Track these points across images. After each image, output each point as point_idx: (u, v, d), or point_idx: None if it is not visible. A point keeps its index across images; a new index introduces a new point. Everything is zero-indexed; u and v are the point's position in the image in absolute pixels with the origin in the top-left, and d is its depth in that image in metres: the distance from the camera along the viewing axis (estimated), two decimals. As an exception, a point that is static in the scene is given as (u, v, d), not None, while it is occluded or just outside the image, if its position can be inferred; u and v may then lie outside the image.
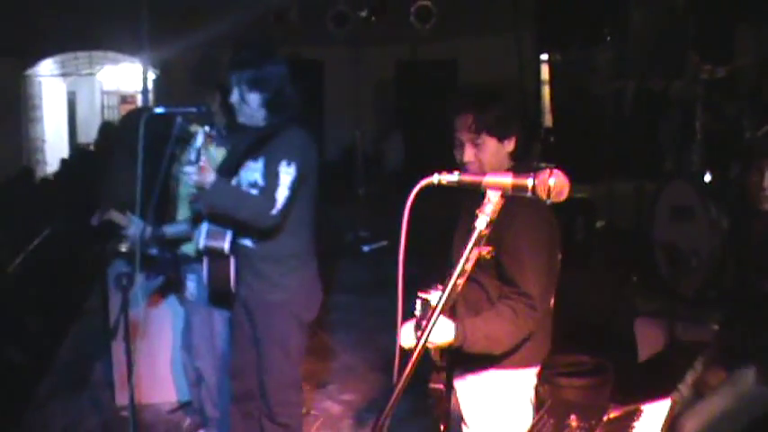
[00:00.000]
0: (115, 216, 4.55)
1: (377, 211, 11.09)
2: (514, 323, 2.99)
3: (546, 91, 14.31)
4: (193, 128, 4.26)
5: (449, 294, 2.15)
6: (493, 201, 2.16)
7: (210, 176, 3.78)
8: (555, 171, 2.11)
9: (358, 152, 11.81)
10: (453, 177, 2.20)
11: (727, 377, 3.86)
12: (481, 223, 2.14)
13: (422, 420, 3.06)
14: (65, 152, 20.05)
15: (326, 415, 5.62)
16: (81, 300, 8.34)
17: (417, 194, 2.15)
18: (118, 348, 5.41)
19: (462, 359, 3.12)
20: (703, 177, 6.10)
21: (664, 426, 2.58)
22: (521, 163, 3.13)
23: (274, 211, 3.84)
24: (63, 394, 6.11)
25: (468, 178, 2.22)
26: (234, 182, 4.06)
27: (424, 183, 2.18)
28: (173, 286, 5.30)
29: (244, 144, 4.11)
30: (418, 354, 2.00)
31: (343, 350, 6.83)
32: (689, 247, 5.83)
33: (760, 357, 3.78)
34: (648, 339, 5.33)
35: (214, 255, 4.05)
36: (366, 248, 10.09)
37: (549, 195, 2.11)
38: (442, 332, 2.90)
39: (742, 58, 6.83)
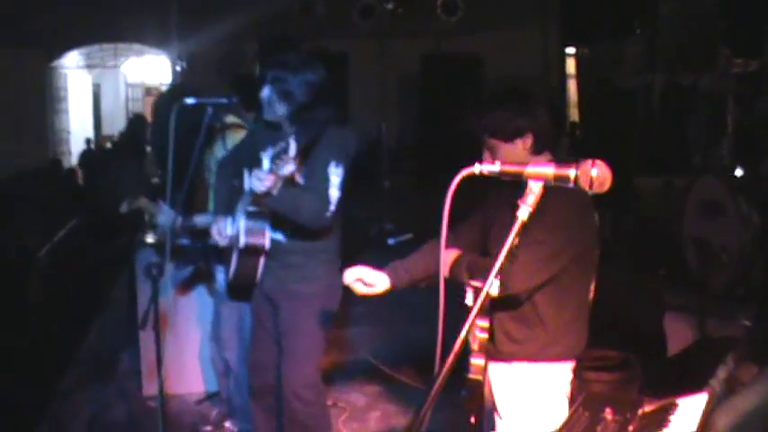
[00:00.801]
0: (145, 204, 4.56)
1: (402, 203, 11.11)
2: None
3: (572, 85, 14.25)
4: (230, 119, 4.25)
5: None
6: (535, 191, 2.14)
7: (279, 183, 3.80)
8: (597, 162, 2.10)
9: (383, 145, 11.79)
10: (495, 167, 2.19)
11: (759, 373, 3.83)
12: (523, 213, 2.13)
13: (449, 411, 3.03)
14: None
15: (352, 407, 5.61)
16: (107, 290, 8.39)
17: (459, 184, 2.14)
18: (146, 338, 5.42)
19: (501, 350, 3.12)
20: (733, 172, 6.05)
21: (701, 420, 2.56)
22: (557, 156, 3.12)
23: (328, 213, 3.88)
24: (89, 384, 6.14)
25: (509, 168, 2.20)
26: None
27: (465, 172, 2.16)
28: (202, 277, 5.31)
29: (271, 141, 4.13)
30: (461, 345, 1.99)
31: (370, 343, 6.82)
32: (719, 242, 5.79)
33: (793, 353, 3.75)
34: (678, 334, 5.30)
35: (250, 251, 4.04)
36: (391, 241, 10.09)
37: (591, 186, 2.09)
38: None
39: (771, 53, 6.75)
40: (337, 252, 4.18)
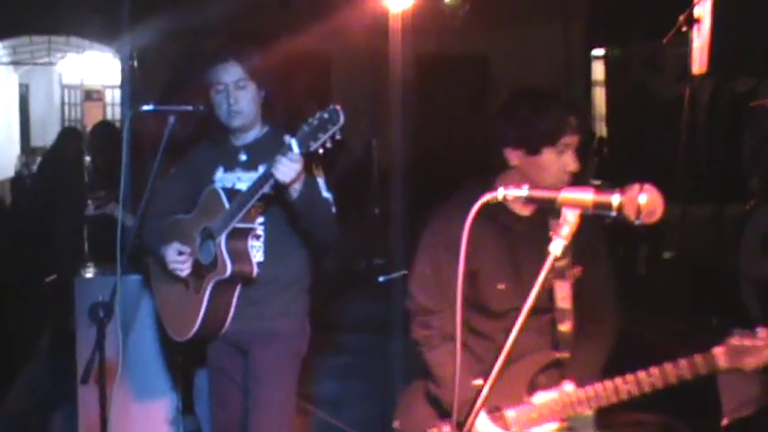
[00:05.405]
0: (117, 210, 4.60)
1: (395, 233, 11.10)
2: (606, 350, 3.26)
3: (599, 93, 14.28)
4: None
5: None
6: (570, 221, 2.16)
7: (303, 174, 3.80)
8: (646, 186, 2.12)
9: (373, 164, 11.81)
10: (522, 192, 2.20)
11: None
12: (557, 248, 2.14)
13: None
14: (14, 157, 20.06)
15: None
16: (36, 335, 8.34)
17: (478, 212, 2.15)
18: (86, 394, 5.36)
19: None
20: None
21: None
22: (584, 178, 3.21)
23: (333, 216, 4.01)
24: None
25: (538, 194, 2.22)
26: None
27: (486, 199, 2.18)
28: None
29: (220, 154, 4.18)
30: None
31: (353, 401, 6.79)
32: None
33: None
34: (736, 395, 5.28)
35: (230, 282, 4.02)
36: (382, 279, 10.08)
37: (638, 215, 2.12)
38: None
39: None
40: (310, 282, 4.25)
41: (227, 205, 3.90)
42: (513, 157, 3.17)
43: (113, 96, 22.36)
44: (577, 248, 2.91)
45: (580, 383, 3.12)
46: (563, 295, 2.89)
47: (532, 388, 3.19)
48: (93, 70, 22.20)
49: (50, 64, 21.36)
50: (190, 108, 4.11)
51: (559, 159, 3.13)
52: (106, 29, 13.61)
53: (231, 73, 4.00)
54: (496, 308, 3.19)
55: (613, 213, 2.14)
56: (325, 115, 3.50)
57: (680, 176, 7.99)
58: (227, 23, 11.36)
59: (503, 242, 3.16)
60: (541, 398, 3.15)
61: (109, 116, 22.06)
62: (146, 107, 4.07)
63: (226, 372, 4.29)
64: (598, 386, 3.07)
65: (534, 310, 2.99)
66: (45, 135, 21.38)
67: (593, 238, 3.12)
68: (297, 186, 3.71)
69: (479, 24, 13.44)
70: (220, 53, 4.07)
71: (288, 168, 3.61)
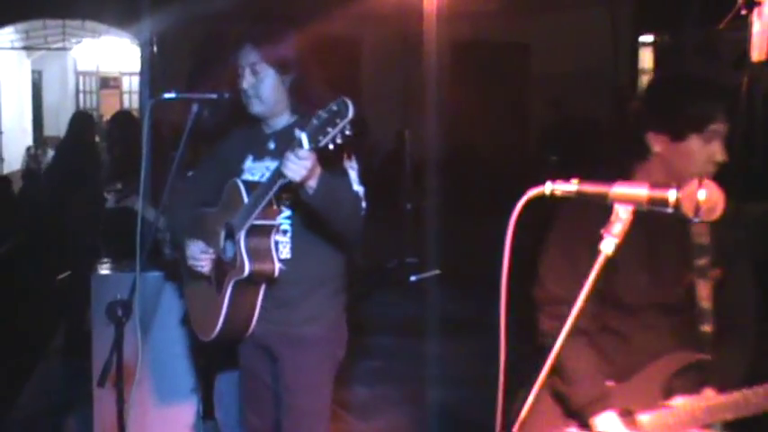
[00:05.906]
0: (137, 203, 4.60)
1: (427, 230, 11.10)
2: (746, 358, 3.28)
3: (647, 83, 14.22)
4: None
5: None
6: (622, 218, 2.15)
7: (318, 169, 3.67)
8: (705, 181, 2.10)
9: (405, 156, 11.79)
10: (571, 187, 2.19)
11: None
12: (608, 246, 2.13)
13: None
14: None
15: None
16: (49, 334, 8.38)
17: (523, 208, 2.15)
18: (102, 397, 5.38)
19: None
20: None
21: None
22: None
23: (362, 212, 3.89)
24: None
25: (589, 189, 2.21)
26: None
27: (532, 193, 2.17)
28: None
29: (250, 142, 4.16)
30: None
31: (385, 407, 6.79)
32: None
33: None
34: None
35: (251, 282, 3.99)
36: (414, 278, 10.08)
37: (697, 213, 2.10)
38: None
39: None
40: (345, 281, 4.19)
41: (246, 200, 3.86)
42: (657, 142, 3.14)
43: (131, 84, 22.44)
44: (720, 250, 3.02)
45: (720, 390, 3.10)
46: (705, 295, 2.90)
47: (668, 392, 3.15)
48: (109, 56, 22.30)
49: (65, 49, 21.41)
50: (214, 96, 4.10)
51: (706, 147, 3.10)
52: (124, 13, 13.66)
53: (247, 57, 3.97)
54: (632, 302, 3.15)
55: (670, 210, 2.12)
56: (334, 108, 3.37)
57: (735, 172, 7.94)
58: (251, 7, 11.38)
59: (641, 232, 3.09)
60: (682, 402, 3.12)
61: (126, 104, 22.16)
62: (167, 95, 4.07)
63: (257, 375, 4.25)
64: (747, 392, 3.01)
65: (669, 309, 3.07)
66: (58, 124, 21.45)
67: (737, 242, 3.17)
68: (311, 183, 3.60)
69: (519, 9, 13.43)
70: (238, 37, 4.05)
71: (297, 166, 3.51)
